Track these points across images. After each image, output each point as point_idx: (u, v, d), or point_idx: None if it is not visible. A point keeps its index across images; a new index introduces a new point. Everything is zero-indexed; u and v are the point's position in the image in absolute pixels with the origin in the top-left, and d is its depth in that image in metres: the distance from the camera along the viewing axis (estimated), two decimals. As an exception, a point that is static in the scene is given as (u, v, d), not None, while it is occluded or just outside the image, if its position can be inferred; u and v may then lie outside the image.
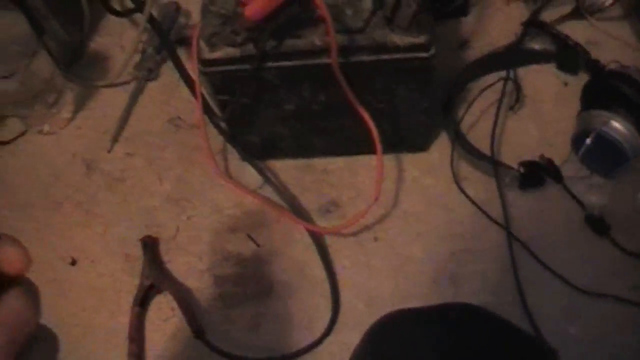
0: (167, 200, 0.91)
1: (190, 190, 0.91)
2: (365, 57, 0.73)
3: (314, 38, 0.72)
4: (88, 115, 1.00)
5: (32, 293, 0.34)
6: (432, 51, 0.72)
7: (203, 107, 0.82)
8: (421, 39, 0.71)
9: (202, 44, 0.72)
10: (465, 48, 0.98)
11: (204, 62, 0.73)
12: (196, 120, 0.88)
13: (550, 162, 0.80)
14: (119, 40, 1.06)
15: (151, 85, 1.02)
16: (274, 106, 0.79)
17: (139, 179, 0.93)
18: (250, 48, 0.72)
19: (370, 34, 0.71)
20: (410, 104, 0.80)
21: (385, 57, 0.72)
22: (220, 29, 0.72)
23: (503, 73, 0.91)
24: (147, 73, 1.00)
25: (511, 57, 0.94)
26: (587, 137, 0.79)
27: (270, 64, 0.73)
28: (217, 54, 0.72)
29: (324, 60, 0.71)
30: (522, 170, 0.80)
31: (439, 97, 0.88)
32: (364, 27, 0.72)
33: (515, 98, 0.89)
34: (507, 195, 0.82)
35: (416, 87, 0.77)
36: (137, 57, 1.01)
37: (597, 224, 0.79)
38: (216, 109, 0.83)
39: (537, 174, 0.80)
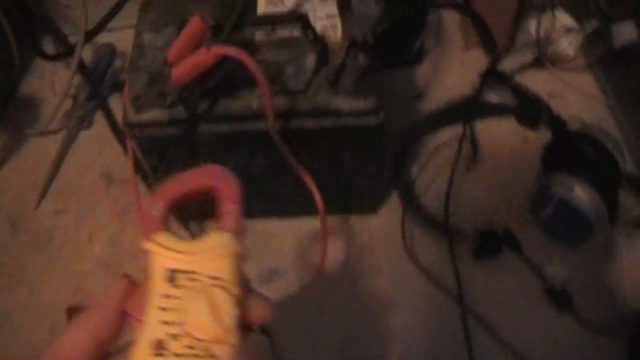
0: (97, 264, 0.84)
1: (122, 253, 0.84)
2: (307, 123, 0.66)
3: (251, 100, 0.65)
4: (15, 166, 0.92)
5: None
6: (381, 116, 0.66)
7: (136, 165, 0.75)
8: (369, 104, 0.65)
9: (128, 105, 0.66)
10: (421, 99, 0.93)
11: (130, 125, 0.66)
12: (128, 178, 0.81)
13: (508, 233, 0.74)
14: (51, 84, 0.99)
15: (84, 134, 0.94)
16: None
17: (68, 239, 0.86)
18: (179, 111, 0.65)
19: (312, 97, 0.65)
20: (356, 168, 0.74)
21: (329, 122, 0.66)
22: (147, 90, 0.65)
23: (459, 127, 0.86)
24: (79, 121, 0.93)
25: (468, 110, 0.89)
26: (548, 203, 0.74)
27: (202, 127, 0.66)
28: (144, 117, 0.66)
29: (262, 125, 0.65)
30: (478, 240, 0.74)
31: (389, 158, 0.82)
32: (305, 88, 0.66)
33: (472, 156, 0.83)
34: (461, 264, 0.77)
35: (363, 153, 0.71)
36: (69, 104, 0.94)
37: (559, 297, 0.74)
38: (148, 170, 0.76)
39: (494, 243, 0.75)
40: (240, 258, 0.38)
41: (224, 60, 0.59)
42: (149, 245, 0.37)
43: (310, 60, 0.66)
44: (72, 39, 0.74)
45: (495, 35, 0.93)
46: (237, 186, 0.39)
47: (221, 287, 0.36)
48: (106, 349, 0.37)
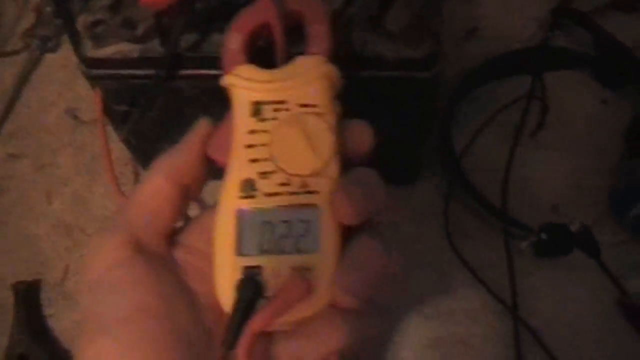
0: (55, 226, 0.67)
1: (86, 216, 0.67)
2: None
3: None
4: (-39, 95, 0.74)
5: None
6: (436, 69, 0.47)
7: (106, 109, 0.57)
8: (421, 52, 0.46)
9: (84, 34, 0.47)
10: (473, 38, 0.73)
11: (87, 62, 0.48)
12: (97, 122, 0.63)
13: (585, 230, 0.56)
14: (12, -9, 0.79)
15: (48, 59, 0.75)
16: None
17: (21, 192, 0.68)
18: (155, 46, 0.46)
19: (343, 36, 0.46)
20: (395, 130, 0.55)
21: (365, 73, 0.47)
22: (109, 15, 0.46)
23: (524, 81, 0.67)
24: (42, 42, 0.74)
25: (533, 58, 0.69)
26: (637, 196, 0.56)
27: (186, 71, 0.47)
28: (106, 52, 0.47)
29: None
30: (543, 236, 0.57)
31: (436, 119, 0.63)
32: (333, 22, 0.46)
33: (538, 121, 0.64)
34: (518, 263, 0.59)
35: (407, 112, 0.52)
36: (32, 18, 0.75)
37: (638, 315, 0.57)
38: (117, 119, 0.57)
39: (564, 241, 0.57)
40: (334, 81, 0.35)
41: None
42: (229, 79, 0.35)
43: (343, -17, 0.47)
44: None
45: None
46: (323, 5, 0.37)
47: (315, 113, 0.34)
48: (189, 196, 0.35)
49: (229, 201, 0.33)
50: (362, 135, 0.34)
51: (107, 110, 0.55)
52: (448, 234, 0.61)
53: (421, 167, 0.63)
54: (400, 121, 0.54)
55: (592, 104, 0.68)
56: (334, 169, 0.33)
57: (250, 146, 0.34)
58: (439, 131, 0.63)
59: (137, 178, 0.67)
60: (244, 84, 0.35)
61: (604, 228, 0.59)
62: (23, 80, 0.73)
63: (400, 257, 0.33)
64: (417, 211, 0.63)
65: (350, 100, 0.50)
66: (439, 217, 0.62)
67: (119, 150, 0.64)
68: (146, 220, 0.34)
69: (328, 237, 0.32)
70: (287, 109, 0.34)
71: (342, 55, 0.45)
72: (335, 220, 0.33)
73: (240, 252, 0.33)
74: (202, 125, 0.35)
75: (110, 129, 0.58)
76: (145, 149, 0.60)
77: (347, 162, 0.34)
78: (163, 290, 0.33)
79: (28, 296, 0.63)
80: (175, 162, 0.34)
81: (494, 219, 0.60)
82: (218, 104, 0.48)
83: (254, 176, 0.33)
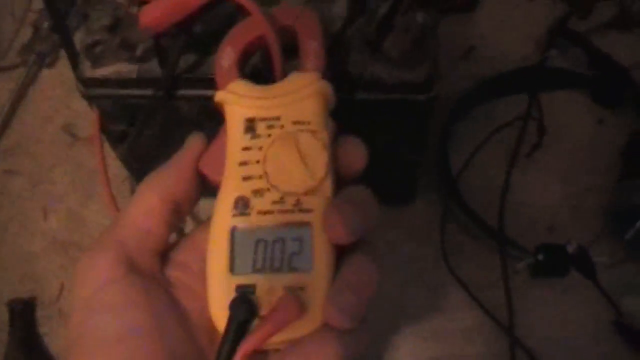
0: (51, 244, 0.66)
1: (82, 233, 0.67)
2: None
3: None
4: (-43, 110, 0.74)
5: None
6: (434, 91, 0.47)
7: (103, 127, 0.57)
8: (419, 75, 0.46)
9: (82, 54, 0.47)
10: (470, 57, 0.73)
11: (85, 82, 0.48)
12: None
13: (582, 251, 0.56)
14: (9, 6, 0.79)
15: (45, 74, 0.75)
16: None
17: (17, 209, 0.68)
18: (153, 66, 0.46)
19: (340, 59, 0.46)
20: (391, 151, 0.55)
21: (362, 96, 0.47)
22: (108, 36, 0.46)
23: (516, 100, 0.67)
24: (40, 58, 0.74)
25: (530, 78, 0.69)
26: (633, 216, 0.56)
27: (184, 91, 0.47)
28: (104, 72, 0.47)
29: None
30: (540, 257, 0.57)
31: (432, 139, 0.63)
32: (331, 46, 0.46)
33: (535, 142, 0.65)
34: (514, 284, 0.59)
35: (403, 134, 0.52)
36: (29, 33, 0.75)
37: (634, 336, 0.57)
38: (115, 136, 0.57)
39: (560, 261, 0.57)
40: (328, 98, 0.35)
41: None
42: (222, 95, 0.35)
43: (340, 5, 0.47)
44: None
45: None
46: (317, 21, 0.36)
47: (309, 131, 0.33)
48: (181, 213, 0.35)
49: (223, 219, 0.33)
50: (356, 153, 0.34)
51: (105, 129, 0.55)
52: (444, 254, 0.61)
53: (418, 187, 0.63)
54: (397, 142, 0.54)
55: (589, 124, 0.69)
56: (327, 187, 0.33)
57: (243, 163, 0.34)
58: (436, 151, 0.63)
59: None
60: (238, 100, 0.34)
61: (600, 248, 0.59)
62: (20, 95, 0.73)
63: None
64: (413, 231, 0.63)
65: (347, 122, 0.50)
66: (436, 237, 0.62)
67: (116, 167, 0.64)
68: (138, 239, 0.34)
69: (321, 256, 0.33)
70: (281, 126, 0.34)
71: (339, 78, 0.46)
72: (328, 239, 0.33)
73: (233, 270, 0.33)
74: (195, 141, 0.36)
75: (107, 146, 0.58)
76: (142, 167, 0.59)
77: (341, 179, 0.34)
78: (155, 310, 0.33)
79: (24, 314, 0.62)
80: (167, 180, 0.34)
81: (490, 240, 0.60)
82: (215, 124, 0.49)
83: (247, 194, 0.33)
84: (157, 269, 0.35)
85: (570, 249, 0.56)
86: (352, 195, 0.34)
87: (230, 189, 0.34)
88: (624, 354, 0.57)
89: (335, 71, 0.46)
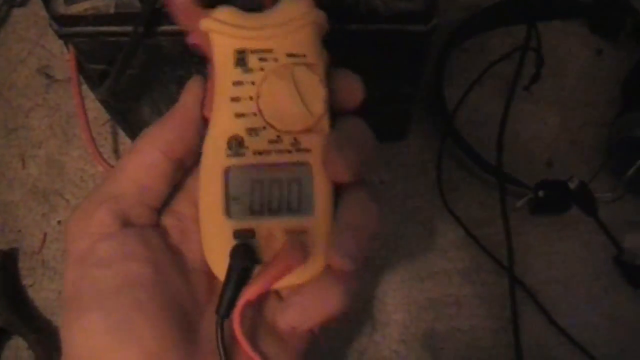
0: (31, 192, 0.64)
1: (63, 180, 0.64)
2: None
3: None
4: None
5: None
6: (434, 22, 0.44)
7: (80, 67, 0.53)
8: (418, 4, 0.43)
9: (52, -13, 0.43)
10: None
11: (59, 19, 0.44)
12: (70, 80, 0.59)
13: (583, 187, 0.54)
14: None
15: (17, 13, 0.71)
16: (177, 81, 0.51)
17: (-7, 156, 0.65)
18: (132, 1, 0.43)
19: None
20: (385, 87, 0.53)
21: (357, 26, 0.44)
22: (80, -35, 0.42)
23: (510, 31, 0.65)
24: (9, -4, 0.70)
25: (526, 8, 0.66)
26: (633, 154, 0.54)
27: (166, 27, 0.44)
28: (79, 8, 0.43)
29: None
30: (540, 193, 0.55)
31: (427, 72, 0.61)
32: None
33: (533, 74, 0.62)
34: (514, 221, 0.57)
35: (401, 66, 0.50)
36: (-4, -30, 0.70)
37: (634, 272, 0.56)
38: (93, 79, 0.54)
39: (561, 198, 0.55)
40: (322, 28, 0.33)
41: None
42: (208, 24, 0.31)
43: None
44: None
45: None
46: None
47: (305, 65, 0.31)
48: (184, 168, 0.33)
49: (215, 159, 0.31)
50: (353, 88, 0.33)
51: (82, 70, 0.52)
52: (441, 191, 0.59)
53: (412, 123, 0.61)
54: (393, 75, 0.51)
55: (587, 55, 0.66)
56: (325, 125, 0.32)
57: (235, 99, 0.31)
58: (430, 85, 0.61)
59: (115, 138, 0.64)
60: (226, 30, 0.31)
61: (599, 184, 0.58)
62: (-10, 37, 0.69)
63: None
64: (408, 168, 0.62)
65: (340, 54, 0.48)
66: (431, 174, 0.61)
67: (95, 110, 0.61)
68: (137, 196, 0.32)
69: (322, 198, 0.31)
70: (274, 59, 0.31)
71: (336, 9, 0.43)
72: (328, 179, 0.31)
73: (229, 214, 0.31)
74: (194, 88, 0.33)
75: (85, 88, 0.55)
76: (124, 108, 0.56)
77: (335, 114, 0.33)
78: (152, 260, 0.31)
79: (5, 266, 0.60)
80: (169, 134, 0.32)
81: (487, 176, 0.58)
82: (200, 61, 0.46)
83: (241, 132, 0.31)
84: (154, 221, 0.33)
85: (572, 185, 0.54)
86: (350, 131, 0.32)
87: (222, 128, 0.31)
88: (624, 291, 0.57)
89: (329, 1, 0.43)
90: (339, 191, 0.32)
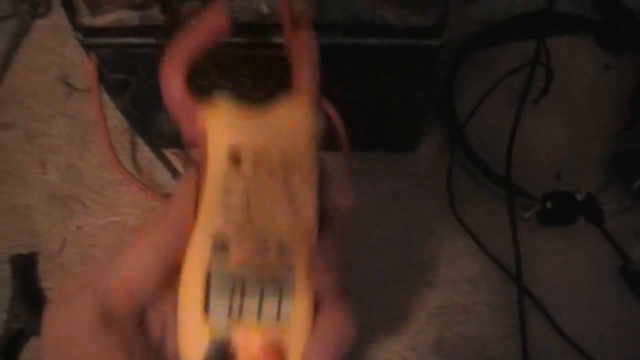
0: (51, 198, 0.65)
1: (82, 186, 0.66)
2: (337, 38, 0.46)
3: (259, 2, 0.45)
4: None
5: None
6: (445, 36, 0.46)
7: (101, 77, 0.55)
8: (430, 19, 0.45)
9: (79, 2, 0.45)
10: (474, 1, 0.72)
11: (84, 30, 0.46)
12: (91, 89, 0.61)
13: (590, 198, 0.56)
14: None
15: (39, 24, 0.73)
16: (197, 91, 0.53)
17: (14, 163, 0.67)
18: (155, 13, 0.45)
19: (347, 3, 0.45)
20: (397, 99, 0.54)
21: (369, 40, 0.46)
22: (106, -20, 0.44)
23: (521, 46, 0.66)
24: (32, 7, 0.72)
25: (536, 23, 0.68)
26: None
27: (188, 39, 0.46)
28: (104, 20, 0.45)
29: (274, 39, 0.45)
30: (548, 205, 0.56)
31: (438, 84, 0.62)
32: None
33: (542, 88, 0.64)
34: (522, 231, 0.58)
35: (410, 78, 0.51)
36: (20, -18, 0.72)
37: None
38: (114, 87, 0.56)
39: (569, 209, 0.57)
40: (319, 131, 0.32)
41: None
42: (204, 118, 0.31)
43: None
44: None
45: None
46: (314, 42, 0.35)
47: (300, 172, 0.31)
48: (177, 265, 0.31)
49: (198, 261, 0.30)
50: (344, 198, 0.32)
51: (102, 79, 0.54)
52: (451, 201, 0.61)
53: (422, 134, 0.62)
54: (404, 88, 0.53)
55: (595, 69, 0.68)
56: (314, 233, 0.31)
57: (224, 198, 0.30)
58: (442, 97, 0.62)
59: (133, 147, 0.66)
60: (223, 125, 0.31)
61: (607, 195, 0.59)
62: (13, 47, 0.71)
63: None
64: (419, 178, 0.63)
65: (358, 68, 0.49)
66: (441, 184, 0.62)
67: (114, 118, 0.63)
68: (125, 295, 0.31)
69: (301, 309, 0.30)
70: (269, 160, 0.31)
71: (349, 25, 0.45)
72: (309, 291, 0.30)
73: (207, 316, 0.31)
74: (191, 177, 0.32)
75: (104, 97, 0.56)
76: (143, 118, 0.58)
77: (324, 216, 0.32)
78: (131, 358, 0.31)
79: (25, 270, 0.62)
80: (163, 231, 0.31)
81: (496, 187, 0.60)
82: (220, 70, 0.48)
83: (228, 233, 0.30)
84: (137, 318, 0.32)
85: (579, 196, 0.55)
86: (337, 241, 0.32)
87: (208, 226, 0.30)
88: (631, 301, 0.58)
89: (345, 17, 0.45)
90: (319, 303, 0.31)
